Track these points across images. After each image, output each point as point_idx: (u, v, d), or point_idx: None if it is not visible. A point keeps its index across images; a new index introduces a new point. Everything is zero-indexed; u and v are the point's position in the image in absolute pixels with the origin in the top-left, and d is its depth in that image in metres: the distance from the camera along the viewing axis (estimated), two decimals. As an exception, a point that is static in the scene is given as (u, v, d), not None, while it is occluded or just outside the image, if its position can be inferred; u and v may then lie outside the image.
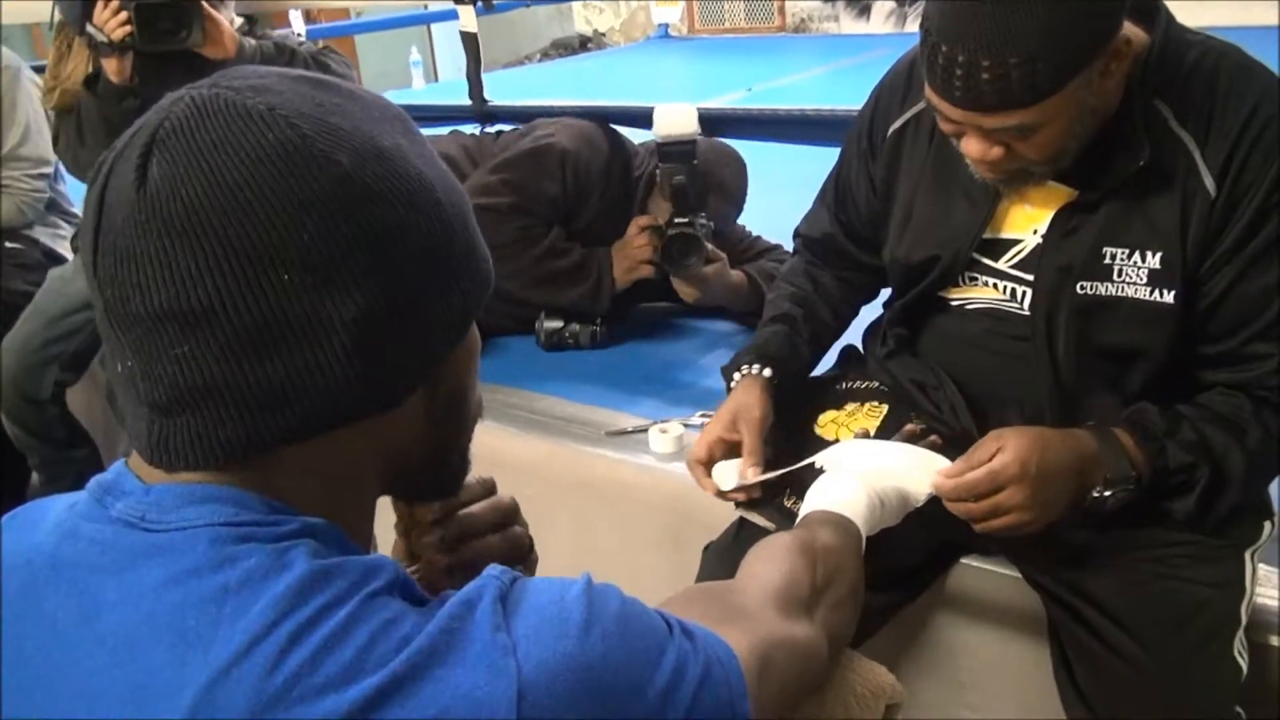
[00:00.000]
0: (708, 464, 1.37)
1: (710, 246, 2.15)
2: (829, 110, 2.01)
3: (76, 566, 0.61)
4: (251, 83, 0.62)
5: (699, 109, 2.13)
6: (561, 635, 0.59)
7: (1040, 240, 1.26)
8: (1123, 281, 1.20)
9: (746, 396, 1.40)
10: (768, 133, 2.20)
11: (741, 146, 2.37)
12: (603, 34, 9.22)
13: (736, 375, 1.44)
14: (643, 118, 2.18)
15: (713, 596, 0.86)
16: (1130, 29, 1.11)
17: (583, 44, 9.01)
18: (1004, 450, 1.14)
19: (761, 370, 1.42)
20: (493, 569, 0.64)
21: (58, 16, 2.31)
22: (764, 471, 1.34)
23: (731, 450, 1.37)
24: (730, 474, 1.35)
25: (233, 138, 0.59)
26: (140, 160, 0.59)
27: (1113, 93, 1.15)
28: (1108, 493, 1.17)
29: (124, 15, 2.14)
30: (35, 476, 2.68)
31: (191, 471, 0.62)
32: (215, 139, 0.59)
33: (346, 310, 0.60)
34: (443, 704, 0.55)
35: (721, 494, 1.34)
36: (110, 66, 2.19)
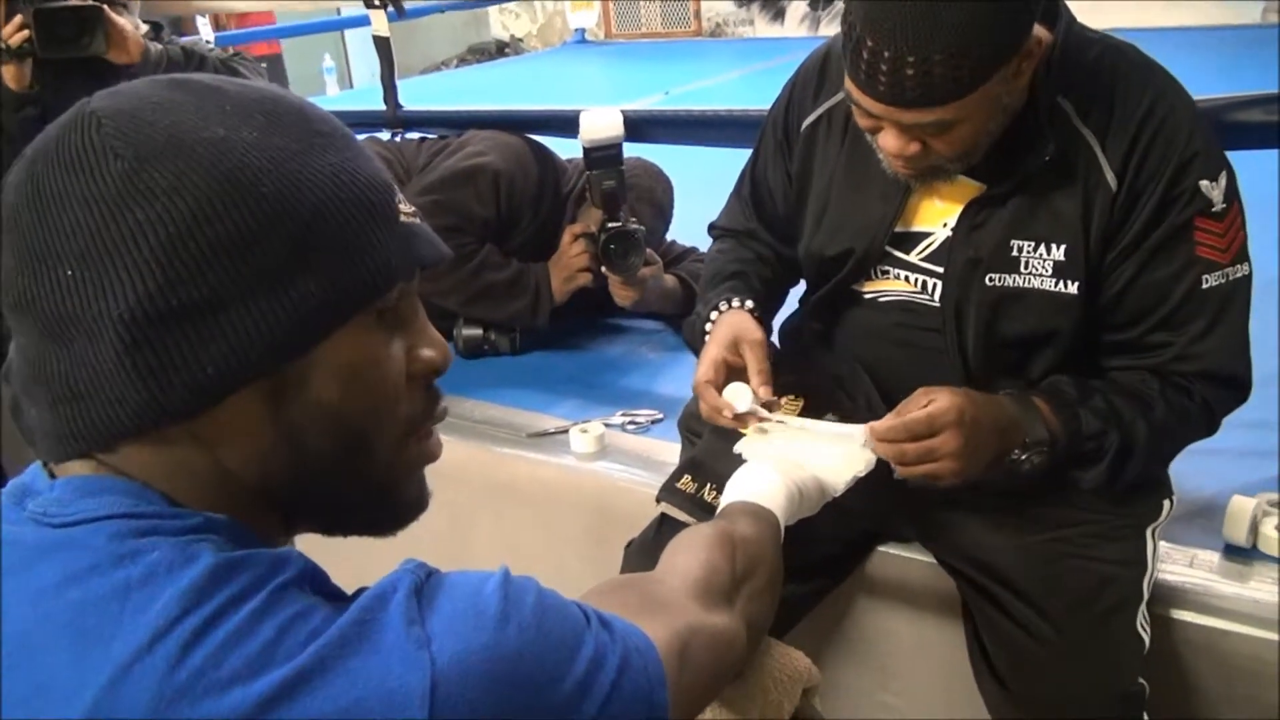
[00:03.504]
0: (717, 387, 1.30)
1: (647, 250, 2.16)
2: (744, 111, 2.03)
3: None
4: (122, 88, 0.63)
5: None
6: (477, 627, 0.59)
7: (950, 233, 1.29)
8: (1029, 273, 1.24)
9: (741, 320, 1.35)
10: (687, 135, 2.21)
11: (658, 151, 2.38)
12: (520, 39, 9.20)
13: (714, 314, 1.40)
14: (564, 123, 2.17)
15: (632, 588, 0.87)
16: (1036, 28, 1.15)
17: (500, 49, 8.97)
18: (937, 400, 1.16)
19: (744, 303, 1.39)
20: (409, 563, 0.63)
21: (-46, 22, 2.24)
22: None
23: (733, 375, 1.32)
24: (744, 395, 1.28)
25: (54, 141, 0.61)
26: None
27: (1022, 90, 1.18)
28: (1024, 455, 1.20)
29: (20, 20, 2.08)
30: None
31: (61, 463, 0.64)
32: (45, 143, 0.62)
33: (117, 306, 0.58)
34: (354, 696, 0.55)
35: (737, 416, 1.27)
36: (9, 74, 2.12)
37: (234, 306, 0.60)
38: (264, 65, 2.78)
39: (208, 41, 3.62)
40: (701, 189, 2.65)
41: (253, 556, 0.59)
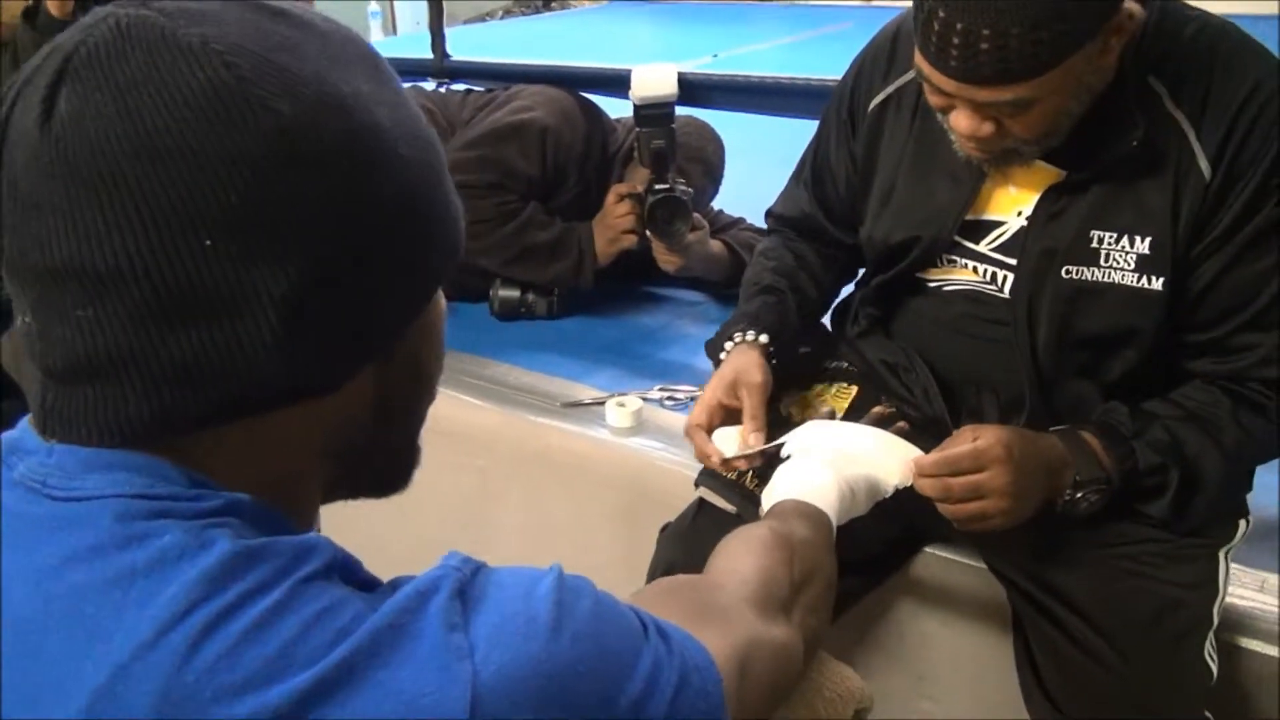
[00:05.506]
0: (708, 429, 1.29)
1: (694, 214, 2.08)
2: (805, 80, 1.94)
3: None
4: (188, 7, 0.53)
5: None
6: (527, 637, 0.53)
7: (1025, 223, 1.21)
8: (1110, 266, 1.16)
9: (745, 360, 1.32)
10: (744, 102, 2.13)
11: (708, 115, 2.29)
12: (567, -7, 9.07)
13: (728, 344, 1.37)
14: (616, 80, 2.10)
15: (687, 592, 0.80)
16: (1128, 2, 1.06)
17: (546, 3, 8.85)
18: (984, 436, 1.11)
19: (757, 337, 1.35)
20: (452, 557, 0.57)
21: (-6, -55, 2.19)
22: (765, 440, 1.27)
23: (730, 417, 1.30)
24: (732, 440, 1.27)
25: (156, 74, 0.50)
26: (48, 91, 0.51)
27: (1109, 69, 1.09)
28: (1079, 494, 1.14)
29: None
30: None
31: (89, 446, 0.55)
32: (135, 74, 0.51)
33: (276, 284, 0.52)
34: (384, 710, 0.49)
35: (725, 461, 1.26)
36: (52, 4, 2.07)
37: (388, 276, 0.57)
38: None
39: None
40: (752, 156, 2.57)
41: (274, 544, 0.53)
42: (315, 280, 0.53)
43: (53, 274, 0.52)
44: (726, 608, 0.76)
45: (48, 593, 0.51)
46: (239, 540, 0.52)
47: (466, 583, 0.55)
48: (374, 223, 0.55)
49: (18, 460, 0.56)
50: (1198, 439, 1.15)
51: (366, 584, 0.56)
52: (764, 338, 1.35)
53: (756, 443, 1.25)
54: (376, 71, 0.58)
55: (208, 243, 0.50)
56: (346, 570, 0.55)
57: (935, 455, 1.12)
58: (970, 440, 1.11)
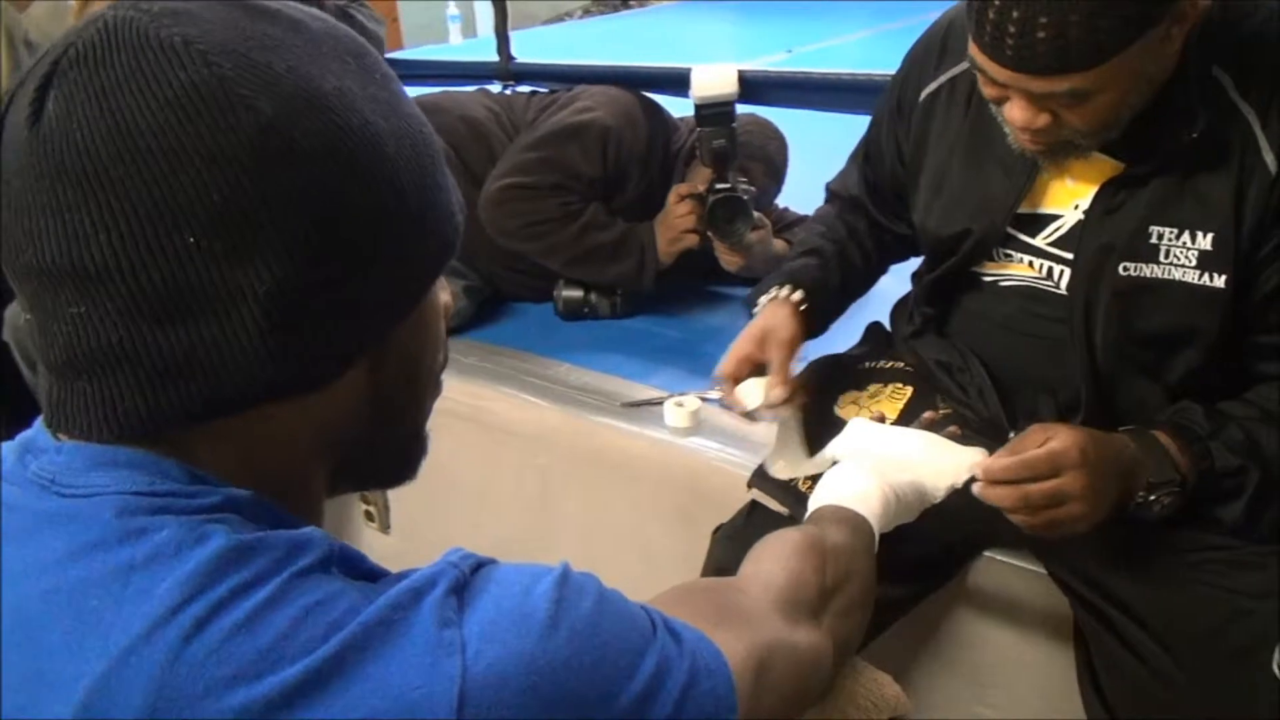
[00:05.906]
0: (735, 380, 1.32)
1: (756, 214, 2.07)
2: (867, 75, 1.92)
3: None
4: (175, 7, 0.54)
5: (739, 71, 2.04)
6: (521, 634, 0.53)
7: (1082, 216, 1.17)
8: (1170, 263, 1.11)
9: (776, 316, 1.34)
10: (805, 99, 2.11)
11: (776, 113, 2.28)
12: (645, -9, 9.07)
13: (763, 298, 1.39)
14: (676, 80, 2.09)
15: (709, 594, 0.79)
16: None
17: (625, 1, 8.86)
18: (1056, 438, 1.05)
19: (791, 294, 1.37)
20: (453, 553, 0.57)
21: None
22: (789, 394, 1.29)
23: (758, 371, 1.31)
24: (756, 393, 1.29)
25: (139, 74, 0.51)
26: (37, 93, 0.52)
27: (1170, 58, 1.05)
28: (1152, 496, 1.09)
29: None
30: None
31: (90, 441, 0.57)
32: (119, 75, 0.51)
33: (260, 282, 0.52)
34: (373, 703, 0.49)
35: (746, 414, 1.30)
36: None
37: (374, 275, 0.57)
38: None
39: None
40: (817, 154, 2.54)
41: (269, 539, 0.54)
42: (299, 278, 0.53)
43: (46, 272, 0.53)
44: (748, 610, 0.75)
45: (50, 587, 0.53)
46: (234, 535, 0.53)
47: (465, 579, 0.55)
48: (358, 221, 0.55)
49: (32, 458, 0.58)
50: (1275, 440, 1.10)
51: (371, 575, 0.56)
52: (798, 295, 1.37)
53: (778, 397, 1.27)
54: (368, 71, 0.58)
55: (190, 240, 0.51)
56: (347, 563, 0.56)
57: (1007, 460, 1.06)
58: (1042, 442, 1.06)
